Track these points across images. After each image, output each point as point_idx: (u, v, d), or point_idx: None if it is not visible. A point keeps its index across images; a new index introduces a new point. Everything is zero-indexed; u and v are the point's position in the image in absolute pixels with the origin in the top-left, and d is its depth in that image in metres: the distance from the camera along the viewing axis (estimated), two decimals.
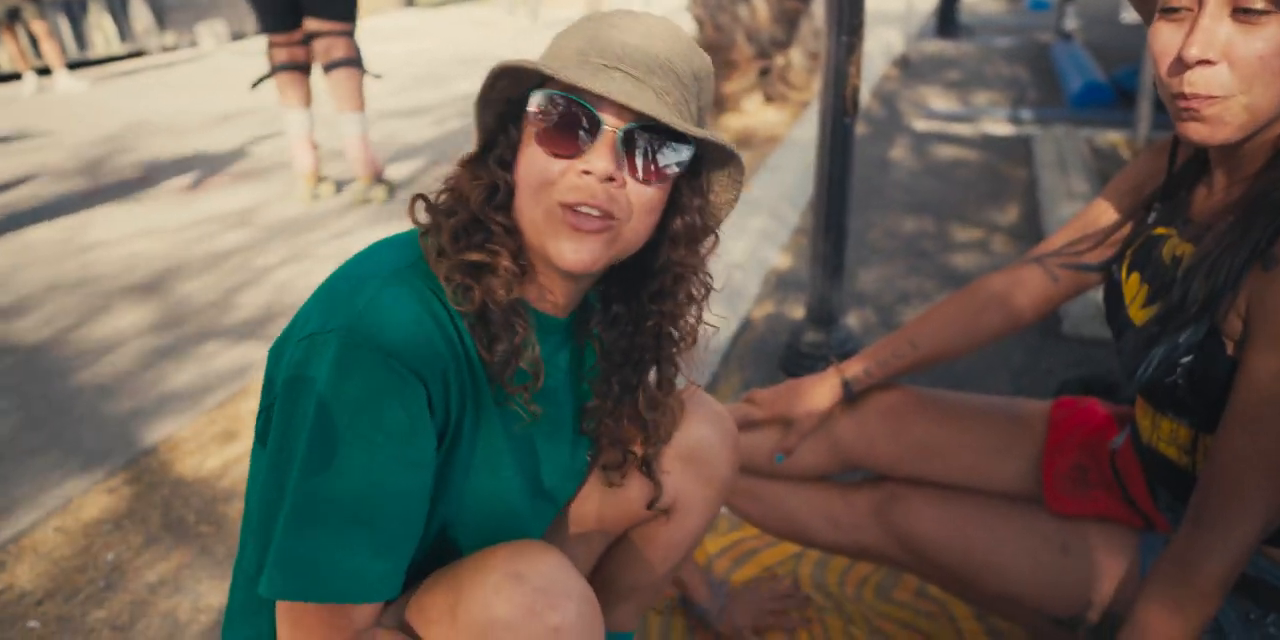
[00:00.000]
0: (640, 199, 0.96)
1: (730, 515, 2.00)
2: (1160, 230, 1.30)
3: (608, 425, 1.18)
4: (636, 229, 0.99)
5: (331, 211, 4.53)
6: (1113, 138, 5.06)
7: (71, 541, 2.12)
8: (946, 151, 5.15)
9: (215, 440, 2.51)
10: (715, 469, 1.31)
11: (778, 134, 5.35)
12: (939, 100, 6.45)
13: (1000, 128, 5.58)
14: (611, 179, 0.93)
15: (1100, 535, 1.39)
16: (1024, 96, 6.49)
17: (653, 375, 1.18)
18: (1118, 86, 5.75)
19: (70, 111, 7.84)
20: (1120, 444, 1.48)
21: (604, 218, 0.94)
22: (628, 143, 0.94)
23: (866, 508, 1.62)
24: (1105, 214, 1.45)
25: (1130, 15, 9.89)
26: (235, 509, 2.20)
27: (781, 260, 3.59)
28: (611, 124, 0.93)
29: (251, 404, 2.68)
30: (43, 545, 2.11)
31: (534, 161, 0.95)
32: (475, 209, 0.99)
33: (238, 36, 13.17)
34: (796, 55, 5.94)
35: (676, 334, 1.13)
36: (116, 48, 11.36)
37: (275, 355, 1.00)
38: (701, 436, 1.29)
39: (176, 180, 5.38)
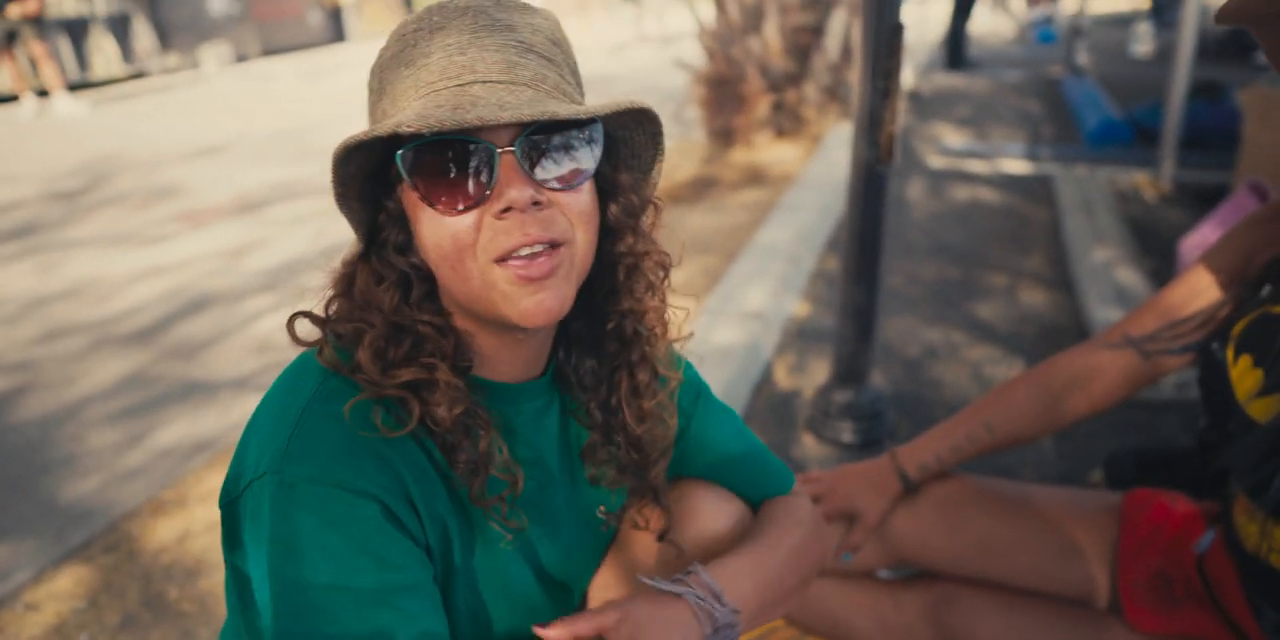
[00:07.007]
0: (574, 208, 0.82)
1: None
2: (1278, 309, 1.16)
3: (606, 462, 1.02)
4: (585, 242, 0.84)
5: None
6: (1136, 178, 4.94)
7: (42, 620, 1.95)
8: (964, 191, 5.02)
9: (202, 501, 2.34)
10: None
11: (791, 171, 5.22)
12: (952, 136, 6.35)
13: (1017, 165, 5.47)
14: (537, 203, 0.78)
15: None
16: (1039, 133, 6.39)
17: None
18: (1137, 124, 5.64)
19: (67, 135, 7.75)
20: (1207, 547, 1.33)
21: (550, 250, 0.80)
22: (530, 156, 0.78)
23: (918, 610, 1.48)
24: (1207, 291, 1.31)
25: (1140, 48, 9.85)
26: (221, 584, 2.03)
27: (800, 308, 3.45)
28: (501, 143, 0.77)
29: None
30: (11, 625, 1.94)
31: (438, 229, 0.79)
32: (392, 315, 0.83)
33: (241, 59, 13.15)
34: (809, 89, 5.84)
35: (644, 331, 0.96)
36: (118, 69, 11.32)
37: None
38: (718, 529, 1.08)
39: (168, 213, 5.26)
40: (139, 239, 4.75)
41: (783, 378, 2.90)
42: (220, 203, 5.44)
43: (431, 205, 0.79)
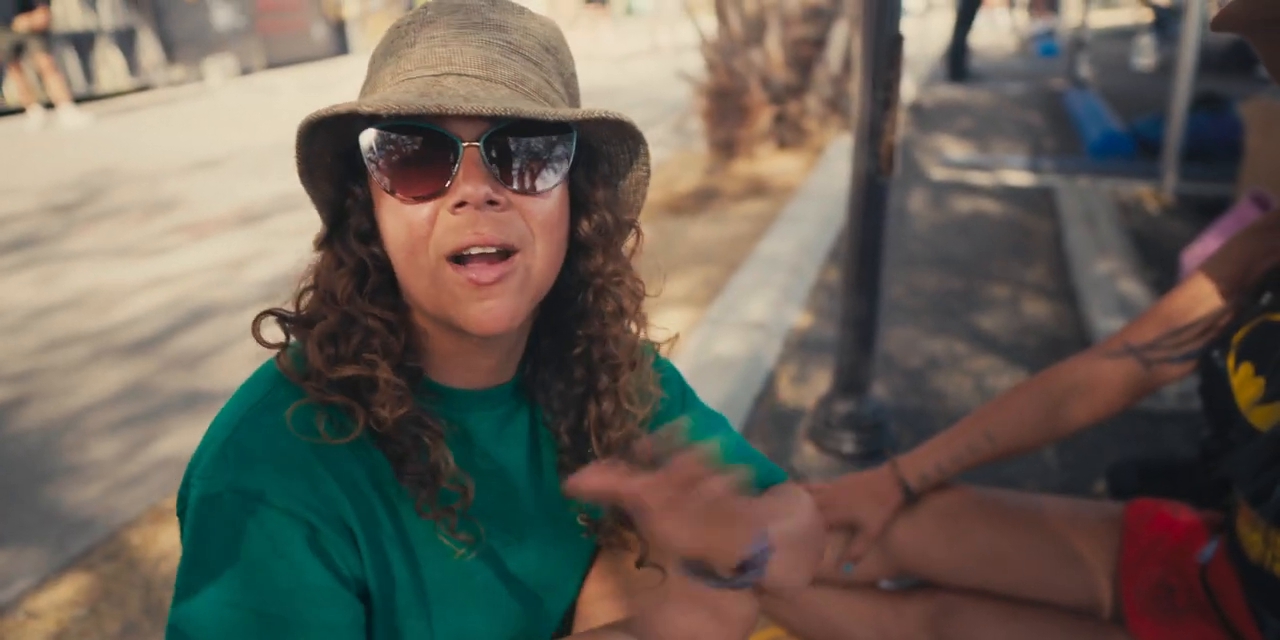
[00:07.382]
0: (536, 217, 0.78)
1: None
2: (1278, 317, 1.16)
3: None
4: (546, 254, 0.80)
5: None
6: (1139, 190, 4.94)
7: (43, 628, 1.95)
8: (966, 202, 5.03)
9: None
10: (731, 605, 1.03)
11: (793, 183, 5.23)
12: (955, 148, 6.36)
13: (1019, 177, 5.48)
14: (493, 203, 0.75)
15: None
16: (1041, 145, 6.41)
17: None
18: (1139, 137, 5.65)
19: (72, 147, 7.79)
20: (1210, 556, 1.32)
21: (503, 256, 0.77)
22: (495, 154, 0.76)
23: (918, 620, 1.47)
24: (1207, 299, 1.31)
25: (1142, 61, 9.87)
26: None
27: (802, 319, 3.45)
28: (467, 137, 0.75)
29: None
30: (12, 633, 1.94)
31: (396, 217, 0.77)
32: (345, 305, 0.81)
33: (245, 72, 13.22)
34: (811, 101, 5.86)
35: (612, 359, 0.92)
36: (124, 82, 11.38)
37: None
38: None
39: (171, 224, 5.28)
40: (141, 250, 4.77)
41: (784, 388, 2.89)
42: (222, 214, 5.46)
43: (390, 192, 0.77)
